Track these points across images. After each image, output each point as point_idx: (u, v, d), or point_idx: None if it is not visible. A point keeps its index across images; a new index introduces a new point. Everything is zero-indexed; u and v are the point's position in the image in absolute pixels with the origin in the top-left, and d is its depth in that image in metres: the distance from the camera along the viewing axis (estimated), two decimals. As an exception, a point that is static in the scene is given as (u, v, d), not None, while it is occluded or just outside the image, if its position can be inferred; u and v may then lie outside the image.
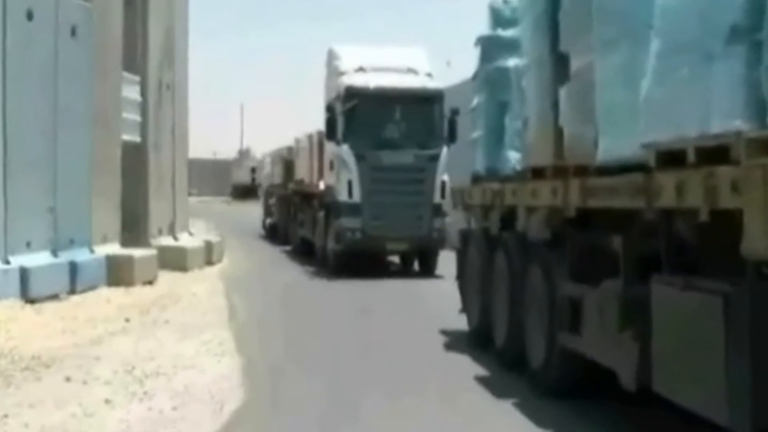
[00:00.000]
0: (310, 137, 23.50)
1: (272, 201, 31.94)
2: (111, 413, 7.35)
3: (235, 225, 35.29)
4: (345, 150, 18.49)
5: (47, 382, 8.35)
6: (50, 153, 14.04)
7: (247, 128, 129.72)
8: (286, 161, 28.50)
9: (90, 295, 13.92)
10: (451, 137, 18.73)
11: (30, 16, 13.49)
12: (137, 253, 16.21)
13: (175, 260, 18.19)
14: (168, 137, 20.91)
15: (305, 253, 23.23)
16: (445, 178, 18.42)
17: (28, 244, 13.30)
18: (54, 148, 14.10)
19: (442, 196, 18.20)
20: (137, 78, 18.90)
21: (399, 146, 18.58)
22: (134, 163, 18.41)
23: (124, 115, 17.98)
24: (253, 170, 74.11)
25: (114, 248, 16.20)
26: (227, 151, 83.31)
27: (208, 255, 20.42)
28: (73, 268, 13.88)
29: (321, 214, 20.52)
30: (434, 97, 18.96)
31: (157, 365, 9.14)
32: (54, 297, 13.08)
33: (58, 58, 14.24)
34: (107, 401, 7.68)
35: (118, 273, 15.14)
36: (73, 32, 14.72)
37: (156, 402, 7.74)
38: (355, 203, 18.32)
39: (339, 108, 18.75)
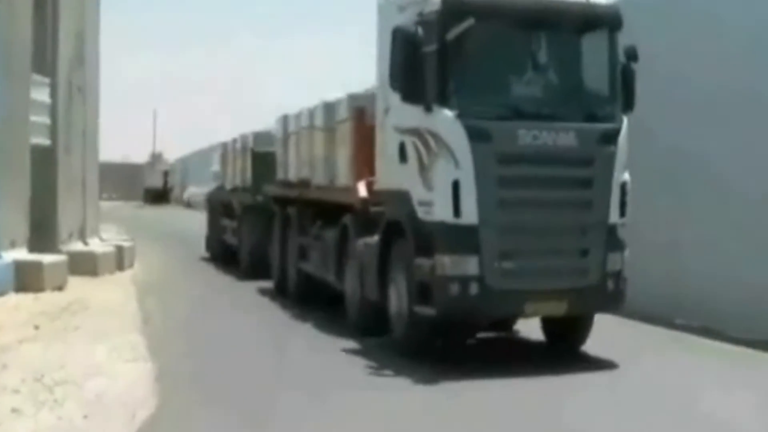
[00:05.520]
0: (327, 107, 13.58)
1: (225, 212, 22.67)
2: (19, 423, 7.20)
3: (162, 236, 30.77)
4: (447, 120, 9.55)
5: (-48, 392, 8.16)
6: (-45, 156, 13.75)
7: (159, 132, 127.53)
8: (258, 154, 19.94)
9: (-3, 301, 13.64)
10: (628, 101, 10.36)
11: (-66, 15, 13.20)
12: (46, 258, 15.91)
13: (85, 265, 17.93)
14: (79, 140, 20.61)
15: (312, 300, 14.32)
16: (626, 177, 10.20)
17: (-68, 250, 13.00)
18: (-41, 151, 13.81)
19: (622, 211, 10.12)
20: (47, 80, 18.58)
21: (549, 114, 9.89)
22: (44, 166, 18.07)
23: (33, 117, 17.64)
24: (166, 174, 73.92)
25: (22, 253, 15.88)
26: (139, 155, 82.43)
27: (119, 260, 20.18)
28: (-20, 274, 13.61)
29: (368, 242, 11.09)
30: (607, 24, 10.30)
31: (67, 373, 8.99)
32: (-41, 304, 12.80)
33: (-36, 59, 13.96)
34: (15, 410, 7.52)
35: (26, 279, 14.85)
36: (-20, 33, 14.44)
37: (66, 410, 7.62)
38: (467, 226, 9.51)
39: (432, 41, 9.66)
